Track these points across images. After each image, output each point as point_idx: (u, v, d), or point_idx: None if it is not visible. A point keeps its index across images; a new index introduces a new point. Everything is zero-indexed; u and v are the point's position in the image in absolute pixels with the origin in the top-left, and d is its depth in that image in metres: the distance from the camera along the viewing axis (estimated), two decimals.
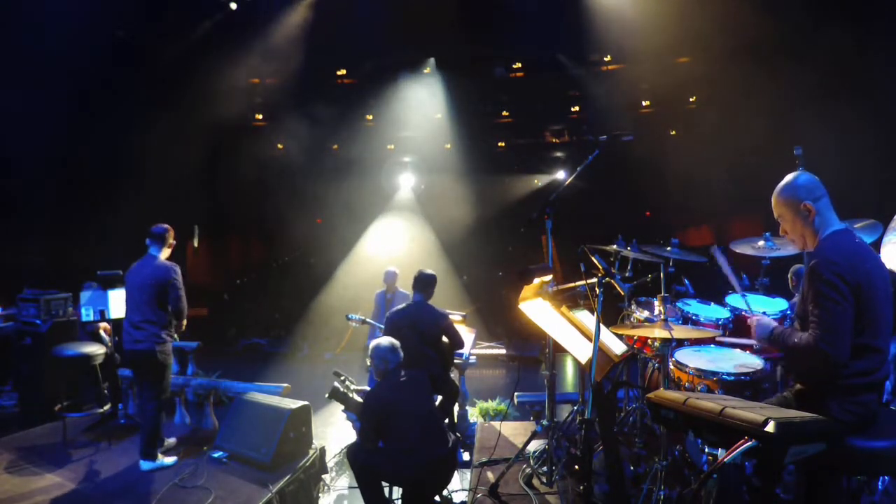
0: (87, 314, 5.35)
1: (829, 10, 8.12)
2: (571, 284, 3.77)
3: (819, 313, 2.24)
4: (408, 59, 12.28)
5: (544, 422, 4.52)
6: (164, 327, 4.46)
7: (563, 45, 11.90)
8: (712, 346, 3.77)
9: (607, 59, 12.22)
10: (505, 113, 13.96)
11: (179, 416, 5.54)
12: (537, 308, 3.51)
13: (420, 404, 3.79)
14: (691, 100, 12.27)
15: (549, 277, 3.56)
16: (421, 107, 12.23)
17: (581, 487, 3.28)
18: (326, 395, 3.88)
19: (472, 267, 12.74)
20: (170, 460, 4.53)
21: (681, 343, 3.70)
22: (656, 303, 3.94)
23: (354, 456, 3.72)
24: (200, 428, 5.41)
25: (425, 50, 12.25)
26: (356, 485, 3.77)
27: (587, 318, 3.63)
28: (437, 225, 12.68)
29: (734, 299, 4.09)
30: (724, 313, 4.10)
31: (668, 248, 4.35)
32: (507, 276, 12.02)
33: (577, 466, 3.88)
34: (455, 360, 5.17)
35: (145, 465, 4.44)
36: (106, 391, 5.42)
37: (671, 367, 3.56)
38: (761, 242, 4.16)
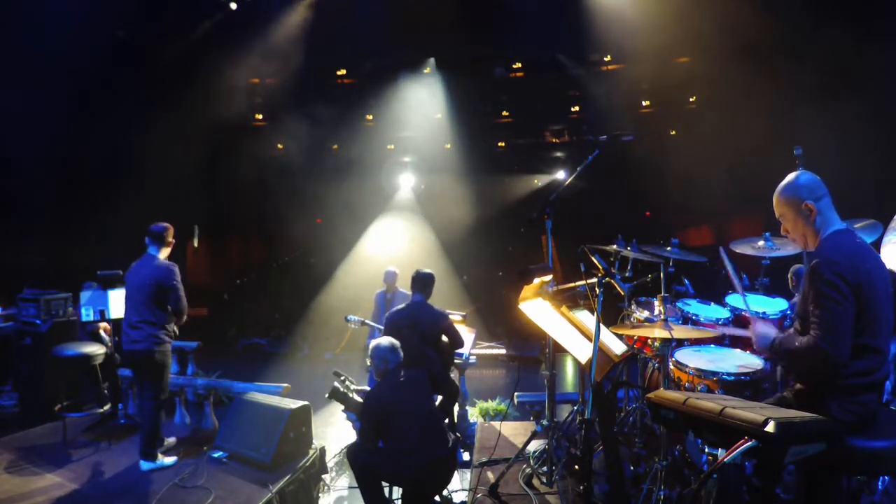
0: (87, 314, 5.35)
1: (829, 10, 8.13)
2: (571, 284, 3.77)
3: (820, 313, 2.24)
4: (408, 59, 12.29)
5: (544, 422, 4.51)
6: (163, 327, 4.44)
7: (563, 45, 11.92)
8: (712, 346, 3.77)
9: (607, 59, 12.23)
10: (505, 113, 13.96)
11: (179, 416, 5.54)
12: (537, 308, 3.51)
13: (420, 404, 3.79)
14: (691, 100, 12.28)
15: (549, 277, 3.56)
16: (421, 107, 12.23)
17: (581, 487, 3.28)
18: (326, 395, 3.88)
19: (472, 267, 12.73)
20: (170, 460, 4.53)
21: (681, 343, 3.70)
22: (656, 303, 3.94)
23: (354, 456, 3.72)
24: (200, 428, 5.41)
25: (425, 50, 12.26)
26: (356, 485, 3.77)
27: (587, 318, 3.63)
28: (437, 225, 12.66)
29: (734, 299, 4.09)
30: (724, 313, 4.10)
31: (668, 248, 4.35)
32: (507, 276, 12.00)
33: (577, 466, 3.87)
34: (455, 360, 5.16)
35: (145, 465, 4.43)
36: (106, 391, 5.41)
37: (671, 367, 3.56)
38: (761, 242, 4.16)
